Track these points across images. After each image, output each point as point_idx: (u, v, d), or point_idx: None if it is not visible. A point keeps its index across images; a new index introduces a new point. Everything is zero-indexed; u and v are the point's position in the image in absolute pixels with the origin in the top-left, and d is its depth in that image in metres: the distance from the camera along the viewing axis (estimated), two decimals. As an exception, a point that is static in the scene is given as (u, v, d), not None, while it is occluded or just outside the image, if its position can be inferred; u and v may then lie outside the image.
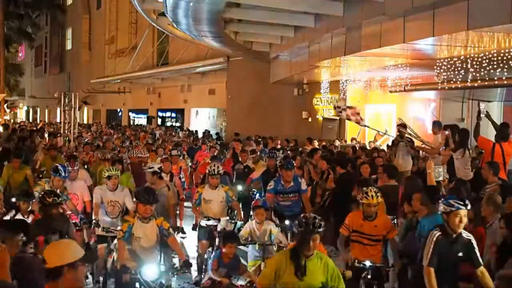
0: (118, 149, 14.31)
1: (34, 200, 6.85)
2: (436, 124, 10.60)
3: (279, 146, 15.78)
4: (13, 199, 8.87)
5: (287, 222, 7.60)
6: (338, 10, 11.36)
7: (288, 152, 13.33)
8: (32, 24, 39.50)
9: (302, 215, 4.71)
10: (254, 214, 6.98)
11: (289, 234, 7.31)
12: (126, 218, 5.83)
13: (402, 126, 10.49)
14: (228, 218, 7.80)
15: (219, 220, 7.48)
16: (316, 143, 15.83)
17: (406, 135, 10.36)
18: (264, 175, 9.81)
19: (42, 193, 6.42)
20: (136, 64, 35.22)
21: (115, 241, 6.85)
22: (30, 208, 6.71)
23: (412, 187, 7.21)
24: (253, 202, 7.74)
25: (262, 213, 6.93)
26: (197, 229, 8.12)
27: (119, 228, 6.95)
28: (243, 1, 12.29)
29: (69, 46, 51.58)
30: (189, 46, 26.77)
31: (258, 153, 12.77)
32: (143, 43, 35.05)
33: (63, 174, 7.63)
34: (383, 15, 9.97)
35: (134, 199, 4.71)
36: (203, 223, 7.58)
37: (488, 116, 9.11)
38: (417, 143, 10.84)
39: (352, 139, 17.68)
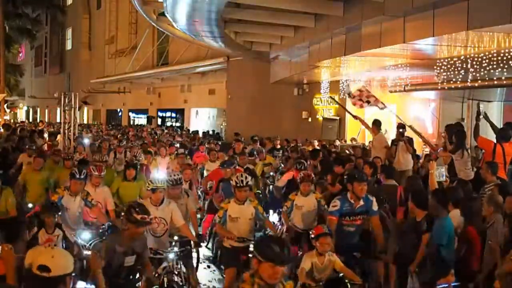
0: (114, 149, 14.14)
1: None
2: (376, 124, 10.71)
3: (278, 146, 15.72)
4: (30, 205, 8.52)
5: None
6: (338, 10, 11.36)
7: (288, 152, 13.28)
8: (33, 20, 39.51)
9: None
10: (317, 243, 5.63)
11: (357, 270, 5.99)
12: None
13: (401, 127, 10.58)
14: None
15: (253, 240, 6.38)
16: (316, 143, 15.81)
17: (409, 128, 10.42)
18: (290, 185, 8.88)
19: (128, 206, 5.41)
20: (136, 64, 35.26)
21: (164, 264, 6.27)
22: (55, 222, 6.12)
23: (412, 187, 7.24)
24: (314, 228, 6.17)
25: (329, 243, 5.57)
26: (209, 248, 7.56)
27: (169, 249, 6.38)
28: (243, 1, 12.28)
29: (69, 46, 51.66)
30: (189, 46, 26.80)
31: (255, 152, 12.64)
32: (143, 43, 35.07)
33: (77, 175, 6.97)
34: (383, 15, 9.97)
35: (257, 254, 3.39)
36: (229, 244, 6.43)
37: (486, 117, 9.13)
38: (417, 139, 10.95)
39: (352, 139, 17.68)
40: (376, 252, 6.42)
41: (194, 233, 6.86)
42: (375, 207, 6.51)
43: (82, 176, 7.04)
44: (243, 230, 6.40)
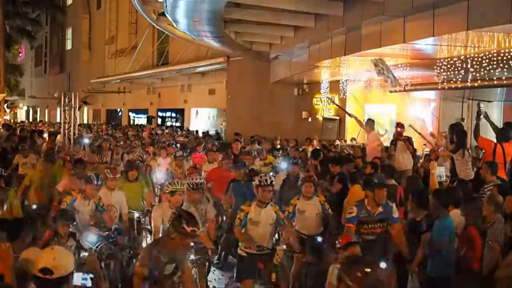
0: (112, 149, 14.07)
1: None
2: (368, 123, 10.77)
3: (278, 146, 15.67)
4: (34, 206, 8.52)
5: (383, 265, 5.89)
6: (338, 10, 11.36)
7: (288, 151, 13.25)
8: (33, 21, 39.52)
9: None
10: (344, 254, 5.20)
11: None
12: None
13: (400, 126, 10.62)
14: (285, 247, 6.29)
15: (273, 249, 6.06)
16: (315, 143, 15.78)
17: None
18: (285, 185, 8.53)
19: (176, 214, 5.04)
20: (136, 64, 35.22)
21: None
22: (69, 231, 5.95)
23: (413, 187, 7.23)
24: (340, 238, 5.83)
25: (358, 253, 5.14)
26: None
27: (192, 257, 5.92)
28: (243, 1, 12.28)
29: (69, 46, 51.62)
30: (189, 46, 26.75)
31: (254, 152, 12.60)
32: (143, 43, 35.04)
33: (95, 182, 6.91)
34: (383, 15, 9.97)
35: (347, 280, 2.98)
36: (245, 251, 6.14)
37: (486, 117, 9.13)
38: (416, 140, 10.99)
39: (352, 139, 17.67)
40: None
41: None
42: (395, 213, 6.12)
43: (99, 183, 7.01)
44: (263, 235, 6.12)
